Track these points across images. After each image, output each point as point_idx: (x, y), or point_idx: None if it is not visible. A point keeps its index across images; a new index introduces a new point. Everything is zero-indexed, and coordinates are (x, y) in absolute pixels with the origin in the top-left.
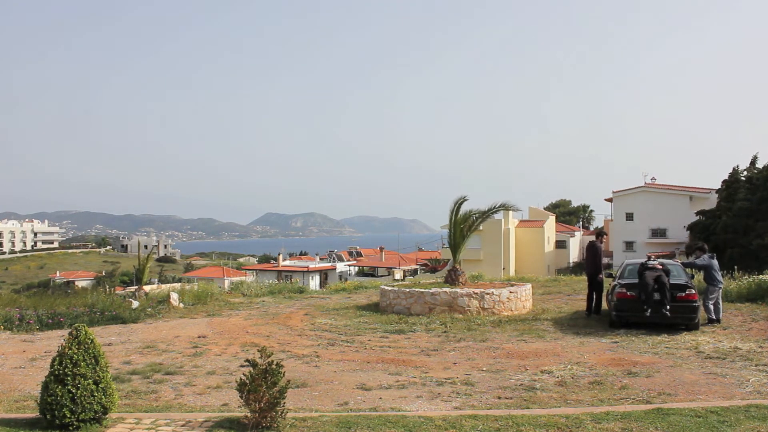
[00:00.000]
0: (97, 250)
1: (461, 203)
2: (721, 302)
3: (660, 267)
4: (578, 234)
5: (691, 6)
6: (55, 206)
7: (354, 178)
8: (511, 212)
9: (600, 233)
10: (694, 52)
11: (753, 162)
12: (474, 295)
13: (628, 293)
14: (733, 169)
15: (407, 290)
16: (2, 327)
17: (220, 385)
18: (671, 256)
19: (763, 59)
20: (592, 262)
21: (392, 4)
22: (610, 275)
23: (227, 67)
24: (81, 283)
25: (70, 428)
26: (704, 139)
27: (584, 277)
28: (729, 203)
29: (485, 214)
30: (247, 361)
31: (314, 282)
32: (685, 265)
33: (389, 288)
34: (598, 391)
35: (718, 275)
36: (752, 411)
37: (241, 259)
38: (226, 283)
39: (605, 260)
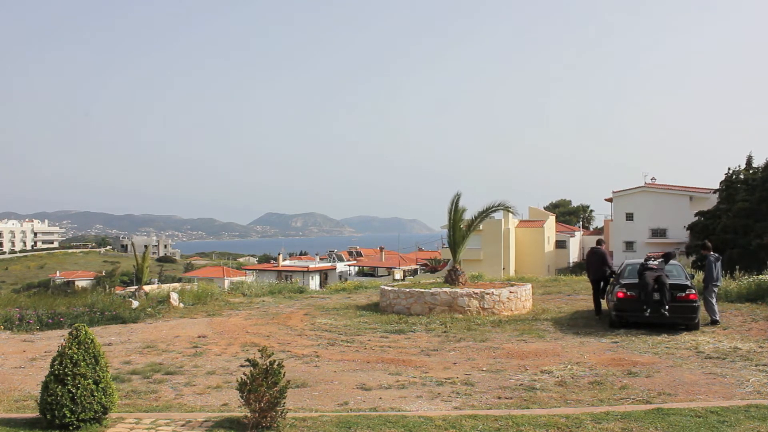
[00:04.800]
0: (97, 250)
1: (458, 199)
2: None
3: (658, 267)
4: (578, 234)
5: (692, 5)
6: (55, 206)
7: (354, 178)
8: (510, 212)
9: (600, 241)
10: (694, 50)
11: (748, 162)
12: (474, 295)
13: (628, 293)
14: (730, 169)
15: (407, 290)
16: (2, 327)
17: (220, 385)
18: (671, 256)
19: (764, 57)
20: (600, 267)
21: (393, 4)
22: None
23: (227, 66)
24: (81, 283)
25: (70, 428)
26: (705, 139)
27: (584, 278)
28: (728, 204)
29: (484, 214)
30: (248, 360)
31: (314, 282)
32: (707, 264)
33: (389, 288)
34: (598, 391)
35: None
36: (752, 411)
37: (241, 259)
38: (226, 283)
39: None
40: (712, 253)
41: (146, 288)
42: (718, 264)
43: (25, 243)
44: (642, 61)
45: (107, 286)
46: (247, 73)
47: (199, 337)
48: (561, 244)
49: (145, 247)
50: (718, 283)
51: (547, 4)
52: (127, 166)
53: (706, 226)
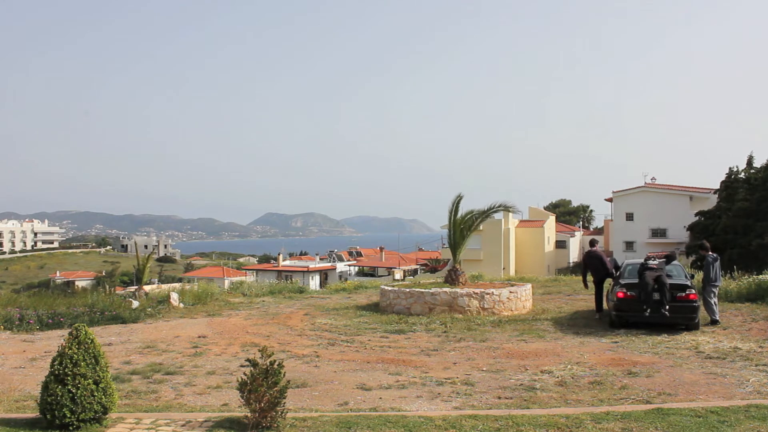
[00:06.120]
0: (97, 250)
1: (459, 201)
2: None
3: (658, 267)
4: (578, 234)
5: (691, 4)
6: (55, 206)
7: (354, 178)
8: (511, 212)
9: (593, 242)
10: (694, 50)
11: (749, 162)
12: (474, 295)
13: (628, 293)
14: (730, 169)
15: (407, 290)
16: (2, 327)
17: (220, 385)
18: (673, 257)
19: (764, 57)
20: (601, 268)
21: (392, 4)
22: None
23: (227, 66)
24: (81, 283)
25: (70, 428)
26: (705, 139)
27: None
28: (728, 204)
29: (484, 214)
30: (248, 360)
31: (314, 282)
32: (705, 264)
33: (389, 288)
34: (598, 391)
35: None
36: (752, 411)
37: (241, 259)
38: (226, 283)
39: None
40: (710, 253)
41: (146, 288)
42: (717, 264)
43: (25, 243)
44: (642, 59)
45: (107, 286)
46: (247, 73)
47: (199, 337)
48: (561, 244)
49: (145, 247)
50: (718, 283)
51: (547, 3)
52: (127, 166)
53: (706, 226)
